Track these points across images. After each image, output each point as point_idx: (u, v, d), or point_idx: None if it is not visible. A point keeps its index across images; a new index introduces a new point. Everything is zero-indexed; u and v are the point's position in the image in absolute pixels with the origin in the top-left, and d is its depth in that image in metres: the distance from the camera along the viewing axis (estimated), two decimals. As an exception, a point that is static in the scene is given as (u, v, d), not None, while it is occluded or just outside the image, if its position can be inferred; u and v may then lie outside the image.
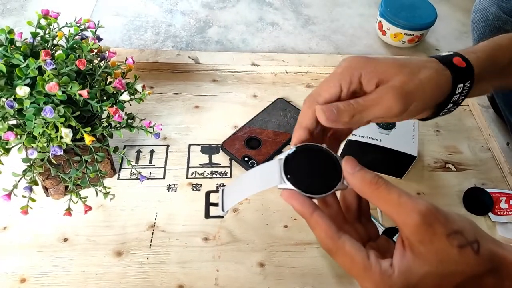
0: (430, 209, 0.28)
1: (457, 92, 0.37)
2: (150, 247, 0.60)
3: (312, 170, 0.33)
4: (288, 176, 0.32)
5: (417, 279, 0.29)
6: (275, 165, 0.33)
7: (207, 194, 0.43)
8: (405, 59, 0.37)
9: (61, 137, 0.49)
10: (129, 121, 0.59)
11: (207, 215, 0.40)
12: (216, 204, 0.39)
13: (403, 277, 0.29)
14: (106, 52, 0.57)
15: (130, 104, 0.58)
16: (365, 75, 0.35)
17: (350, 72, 0.35)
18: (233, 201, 0.36)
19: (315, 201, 0.33)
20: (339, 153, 0.43)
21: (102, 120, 0.56)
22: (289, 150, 0.34)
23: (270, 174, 0.33)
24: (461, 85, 0.37)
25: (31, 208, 0.51)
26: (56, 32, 0.55)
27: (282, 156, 0.34)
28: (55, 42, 0.55)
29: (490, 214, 0.67)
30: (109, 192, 0.58)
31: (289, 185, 0.32)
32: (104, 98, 0.54)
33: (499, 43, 0.42)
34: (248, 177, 0.36)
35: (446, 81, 0.36)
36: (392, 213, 0.29)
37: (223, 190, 0.37)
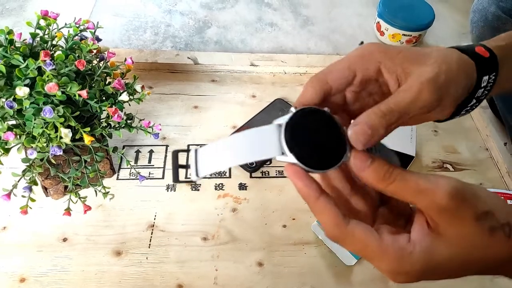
0: (455, 188, 0.26)
1: (482, 85, 0.33)
2: (149, 247, 0.60)
3: (316, 140, 0.28)
4: (290, 147, 0.27)
5: (439, 260, 0.27)
6: (274, 132, 0.28)
7: (175, 154, 0.33)
8: (424, 49, 0.33)
9: (61, 137, 0.49)
10: (128, 121, 0.59)
11: (176, 179, 0.32)
12: (185, 166, 0.31)
13: (426, 256, 0.27)
14: (105, 52, 0.58)
15: (129, 104, 0.58)
16: (386, 64, 0.31)
17: (368, 58, 0.31)
18: (214, 167, 0.30)
19: (315, 175, 0.29)
20: None
21: (101, 120, 0.56)
22: (287, 114, 0.29)
23: (267, 142, 0.28)
24: (486, 77, 0.33)
25: (30, 208, 0.52)
26: (55, 33, 0.55)
27: (282, 121, 0.28)
28: (54, 42, 0.55)
29: (487, 213, 0.67)
30: (109, 192, 0.58)
31: (291, 158, 0.27)
32: (103, 98, 0.54)
33: None
34: (239, 141, 0.29)
35: (472, 72, 0.32)
36: (413, 202, 0.27)
37: (196, 151, 0.30)
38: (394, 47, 0.32)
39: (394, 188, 0.28)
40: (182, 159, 0.31)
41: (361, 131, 0.28)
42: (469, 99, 0.33)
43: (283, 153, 0.28)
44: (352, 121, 0.29)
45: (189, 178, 0.30)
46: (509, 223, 0.27)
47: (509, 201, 0.68)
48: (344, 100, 0.34)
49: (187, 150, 0.31)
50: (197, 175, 0.30)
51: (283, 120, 0.28)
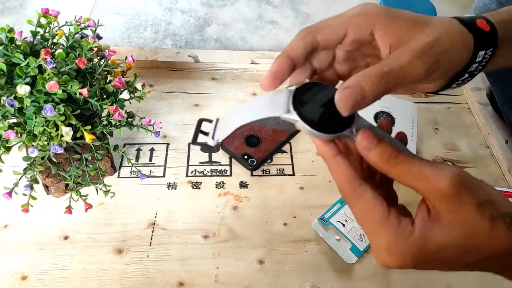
0: (458, 175, 0.26)
1: (477, 60, 0.32)
2: (150, 245, 0.60)
3: (322, 108, 0.29)
4: (296, 107, 0.29)
5: (437, 246, 0.27)
6: (284, 94, 0.30)
7: (199, 122, 0.37)
8: (426, 17, 0.31)
9: (62, 136, 0.49)
10: (129, 119, 0.59)
11: (194, 141, 0.36)
12: (206, 133, 0.34)
13: (423, 240, 0.27)
14: (106, 50, 0.58)
15: (130, 103, 0.58)
16: (380, 28, 0.30)
17: (363, 19, 0.30)
18: (229, 128, 0.32)
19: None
20: None
21: (102, 119, 0.56)
22: (299, 84, 0.31)
23: (277, 102, 0.30)
24: (483, 52, 0.32)
25: (31, 206, 0.52)
26: (56, 31, 0.55)
27: (293, 87, 0.30)
28: (55, 40, 0.55)
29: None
30: (109, 190, 0.58)
31: (295, 116, 0.29)
32: (104, 96, 0.54)
33: None
34: (251, 102, 0.32)
35: (468, 45, 0.31)
36: (416, 188, 0.27)
37: (217, 120, 0.34)
38: (393, 10, 0.31)
39: (397, 171, 0.28)
40: (205, 128, 0.35)
41: (351, 95, 0.27)
42: (462, 73, 0.32)
43: (288, 112, 0.29)
44: (340, 82, 0.29)
45: (206, 142, 0.33)
46: (510, 213, 0.26)
47: (510, 199, 0.68)
48: (333, 58, 0.33)
49: (212, 120, 0.35)
50: (213, 138, 0.33)
51: (295, 87, 0.30)
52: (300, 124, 0.29)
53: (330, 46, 0.32)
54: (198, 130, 0.36)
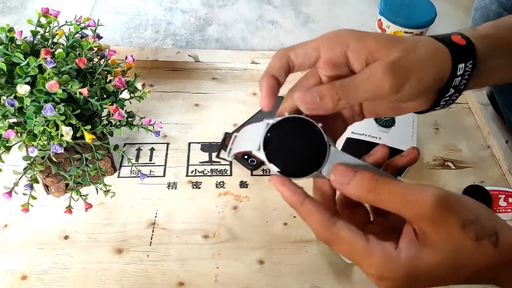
0: (442, 196, 0.26)
1: (458, 73, 0.31)
2: (150, 245, 0.60)
3: (295, 146, 0.30)
4: (265, 145, 0.29)
5: (425, 269, 0.27)
6: (261, 129, 0.30)
7: (224, 136, 0.41)
8: (400, 37, 0.32)
9: (62, 135, 0.49)
10: (129, 119, 0.59)
11: (217, 155, 0.39)
12: (226, 147, 0.37)
13: (410, 264, 0.27)
14: (106, 50, 0.58)
15: (130, 102, 0.58)
16: (352, 48, 0.30)
17: (335, 41, 0.31)
18: (234, 150, 0.34)
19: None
20: None
21: (102, 118, 0.56)
22: (280, 117, 0.31)
23: (254, 136, 0.30)
24: (462, 65, 0.31)
25: (31, 205, 0.52)
26: (56, 31, 0.55)
27: (271, 121, 0.30)
28: (55, 40, 0.55)
29: (488, 211, 0.67)
30: (110, 190, 0.58)
31: (262, 156, 0.29)
32: (104, 96, 0.54)
33: (508, 22, 0.36)
34: (245, 130, 0.33)
35: (445, 59, 0.31)
36: (400, 212, 0.27)
37: (235, 136, 0.35)
38: (366, 32, 0.31)
39: (380, 200, 0.27)
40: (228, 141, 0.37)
41: (308, 94, 0.28)
42: (446, 89, 0.32)
43: (259, 150, 0.29)
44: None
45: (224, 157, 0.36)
46: (496, 232, 0.27)
47: (510, 199, 0.68)
48: (319, 83, 0.33)
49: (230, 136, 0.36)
50: (228, 155, 0.34)
51: (272, 120, 0.30)
52: (267, 165, 0.29)
53: (305, 66, 0.32)
54: (222, 144, 0.39)
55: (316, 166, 0.29)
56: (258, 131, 0.30)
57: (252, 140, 0.30)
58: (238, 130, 0.35)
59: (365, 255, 0.28)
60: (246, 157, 0.69)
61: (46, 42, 0.54)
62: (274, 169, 0.29)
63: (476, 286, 0.30)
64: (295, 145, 0.30)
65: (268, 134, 0.30)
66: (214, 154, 0.72)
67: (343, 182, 0.28)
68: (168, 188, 0.67)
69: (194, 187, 0.67)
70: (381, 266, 0.27)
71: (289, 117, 0.30)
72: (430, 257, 0.27)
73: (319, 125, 0.30)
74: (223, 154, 0.34)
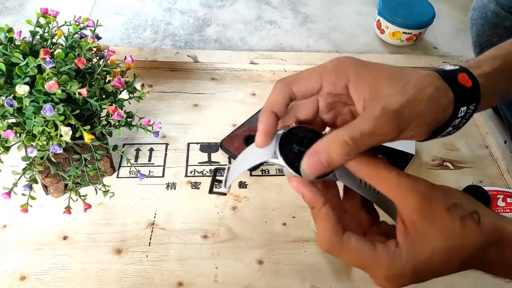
0: (428, 187, 0.29)
1: (459, 115, 0.31)
2: (149, 245, 0.60)
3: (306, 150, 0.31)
4: (281, 152, 0.31)
5: (425, 257, 0.28)
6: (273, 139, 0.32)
7: (215, 171, 0.41)
8: (402, 71, 0.31)
9: (61, 136, 0.49)
10: (128, 119, 0.59)
11: (211, 191, 0.38)
12: (220, 181, 0.37)
13: (412, 256, 0.28)
14: (105, 50, 0.58)
15: (129, 103, 0.58)
16: (354, 82, 0.31)
17: (338, 73, 0.31)
18: (233, 176, 0.35)
19: None
20: None
21: (101, 119, 0.56)
22: (287, 127, 0.33)
23: (265, 148, 0.32)
24: (464, 108, 0.31)
25: (31, 206, 0.52)
26: (55, 31, 0.55)
27: (280, 131, 0.32)
28: (54, 40, 0.55)
29: (487, 211, 0.67)
30: (109, 190, 0.58)
31: (280, 161, 0.31)
32: (103, 96, 0.54)
33: (508, 49, 0.36)
34: (246, 151, 0.35)
35: (448, 104, 0.30)
36: (392, 192, 0.29)
37: (228, 168, 0.37)
38: (369, 63, 0.31)
39: (377, 174, 0.29)
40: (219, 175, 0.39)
41: (318, 162, 0.29)
42: (446, 127, 0.32)
43: (275, 156, 0.31)
44: (313, 146, 0.29)
45: (220, 190, 0.37)
46: (476, 211, 0.29)
47: (509, 199, 0.68)
48: (317, 108, 0.34)
49: (223, 169, 0.37)
50: (225, 186, 0.36)
51: (282, 130, 0.32)
52: (286, 170, 0.31)
53: (307, 97, 0.33)
54: (214, 180, 0.39)
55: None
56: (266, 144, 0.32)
57: (263, 151, 0.32)
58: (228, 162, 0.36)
59: (374, 262, 0.29)
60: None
61: (45, 43, 0.54)
62: (291, 172, 0.31)
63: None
64: (307, 149, 0.31)
65: (281, 143, 0.31)
66: (213, 155, 0.72)
67: (343, 153, 0.28)
68: (167, 189, 0.67)
69: (193, 187, 0.67)
70: (390, 268, 0.29)
71: (296, 127, 0.33)
72: (425, 245, 0.28)
73: (327, 130, 0.33)
74: (217, 188, 0.35)
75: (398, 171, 0.29)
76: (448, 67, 0.33)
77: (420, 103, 0.29)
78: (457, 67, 0.32)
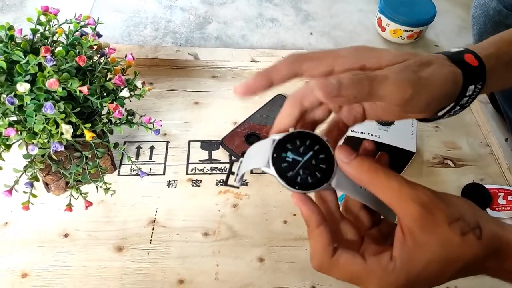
0: (430, 197, 0.28)
1: (467, 94, 0.32)
2: (150, 242, 0.60)
3: (303, 161, 0.30)
4: (274, 161, 0.30)
5: (420, 268, 0.28)
6: (268, 146, 0.31)
7: (231, 162, 0.41)
8: (412, 52, 0.32)
9: (62, 133, 0.49)
10: (129, 117, 0.59)
11: (226, 183, 0.39)
12: (233, 173, 0.37)
13: (406, 267, 0.28)
14: (106, 48, 0.58)
15: (130, 100, 0.58)
16: (369, 64, 0.31)
17: (352, 54, 0.31)
18: (242, 172, 0.35)
19: (312, 195, 0.31)
20: None
21: (102, 116, 0.56)
22: (286, 132, 0.31)
23: (261, 153, 0.31)
24: (472, 86, 0.32)
25: (32, 203, 0.52)
26: (55, 29, 0.55)
27: (277, 137, 0.31)
28: (55, 38, 0.55)
29: (488, 210, 0.67)
30: (110, 187, 0.58)
31: (272, 171, 0.30)
32: (104, 94, 0.54)
33: (506, 38, 0.37)
34: (250, 150, 0.34)
35: (456, 81, 0.31)
36: (392, 201, 0.29)
37: (241, 162, 0.35)
38: (379, 49, 0.32)
39: (377, 182, 0.29)
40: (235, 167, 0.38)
41: (327, 83, 0.28)
42: (454, 106, 0.33)
43: (267, 166, 0.30)
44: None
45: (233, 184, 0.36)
46: (479, 226, 0.28)
47: (509, 197, 0.68)
48: (328, 112, 0.34)
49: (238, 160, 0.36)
50: (235, 180, 0.35)
51: (278, 136, 0.31)
52: (277, 181, 0.30)
53: (314, 77, 0.32)
54: (230, 172, 0.40)
55: (325, 179, 0.30)
56: (265, 147, 0.31)
57: (259, 157, 0.31)
58: (242, 154, 0.35)
59: (365, 276, 0.29)
60: (246, 155, 0.69)
61: (46, 40, 0.54)
62: (283, 184, 0.30)
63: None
64: (303, 159, 0.30)
65: (276, 150, 0.30)
66: (214, 153, 0.72)
67: (346, 160, 0.29)
68: (168, 186, 0.67)
69: (194, 185, 0.67)
70: (382, 282, 0.29)
71: (293, 132, 0.31)
72: (422, 255, 0.28)
73: (324, 138, 0.31)
74: (231, 180, 0.35)
75: (399, 179, 0.29)
76: (454, 49, 0.34)
77: (430, 73, 0.30)
78: (462, 48, 0.34)
